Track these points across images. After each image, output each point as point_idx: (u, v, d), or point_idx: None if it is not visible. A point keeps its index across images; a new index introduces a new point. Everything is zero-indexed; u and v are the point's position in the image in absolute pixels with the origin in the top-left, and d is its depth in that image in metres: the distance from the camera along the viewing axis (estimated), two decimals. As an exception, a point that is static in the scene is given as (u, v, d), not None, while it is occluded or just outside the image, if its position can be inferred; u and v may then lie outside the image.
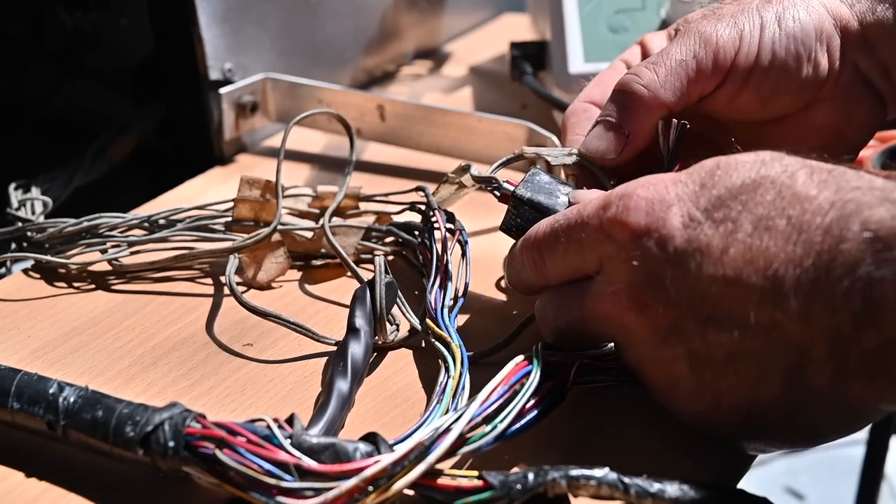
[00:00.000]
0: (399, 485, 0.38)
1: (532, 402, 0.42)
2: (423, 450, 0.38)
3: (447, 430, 0.39)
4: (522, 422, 0.42)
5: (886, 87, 0.52)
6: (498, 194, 0.52)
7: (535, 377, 0.42)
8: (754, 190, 0.39)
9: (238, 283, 0.56)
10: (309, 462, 0.38)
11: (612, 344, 0.46)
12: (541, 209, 0.50)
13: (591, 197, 0.46)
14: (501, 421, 0.41)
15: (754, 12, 0.52)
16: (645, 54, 0.57)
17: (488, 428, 0.40)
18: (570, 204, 0.50)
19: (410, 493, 0.39)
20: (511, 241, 0.51)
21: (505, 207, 0.52)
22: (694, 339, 0.39)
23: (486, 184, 0.53)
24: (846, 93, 0.52)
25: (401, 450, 0.38)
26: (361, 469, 0.37)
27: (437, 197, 0.57)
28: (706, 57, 0.51)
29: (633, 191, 0.41)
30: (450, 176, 0.56)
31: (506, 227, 0.52)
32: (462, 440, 0.39)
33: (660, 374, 0.42)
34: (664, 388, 0.42)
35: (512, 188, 0.51)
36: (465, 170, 0.55)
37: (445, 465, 0.40)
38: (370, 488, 0.37)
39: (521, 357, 0.43)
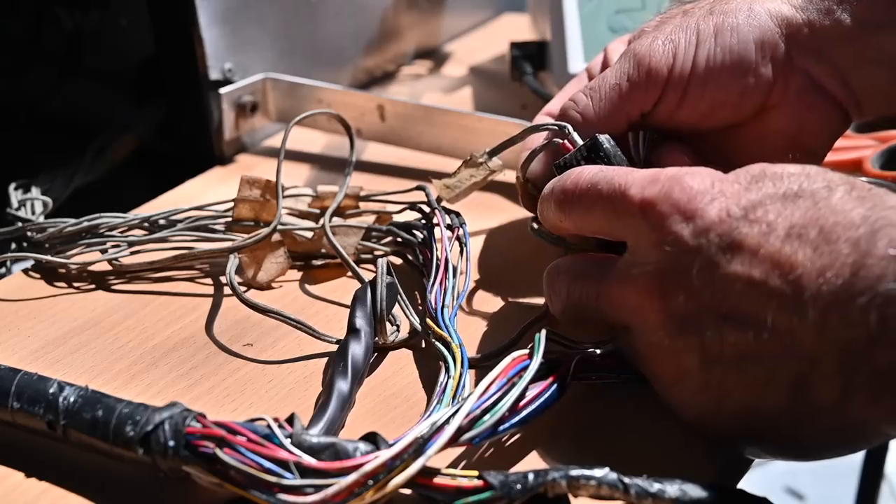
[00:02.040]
0: (398, 480, 0.38)
1: (530, 395, 0.42)
2: (421, 444, 0.38)
3: (445, 423, 0.39)
4: (521, 415, 0.42)
5: (843, 92, 0.51)
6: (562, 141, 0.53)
7: (533, 368, 0.42)
8: (794, 200, 0.39)
9: (238, 283, 0.56)
10: (309, 460, 0.38)
11: (612, 341, 0.46)
12: (610, 162, 0.50)
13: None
14: (498, 410, 0.40)
15: (692, 26, 0.52)
16: (605, 63, 0.59)
17: (486, 417, 0.40)
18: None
19: (408, 492, 0.39)
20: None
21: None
22: (709, 333, 0.40)
23: (558, 128, 0.53)
24: (797, 100, 0.52)
25: (399, 445, 0.38)
26: (360, 465, 0.37)
27: (454, 180, 0.56)
28: (639, 77, 0.51)
29: (682, 176, 0.42)
30: (474, 155, 0.56)
31: (561, 164, 0.52)
32: (460, 433, 0.39)
33: (669, 364, 0.42)
34: (670, 380, 0.42)
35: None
36: (489, 155, 0.55)
37: (445, 464, 0.40)
38: (370, 482, 0.37)
39: (520, 352, 0.43)
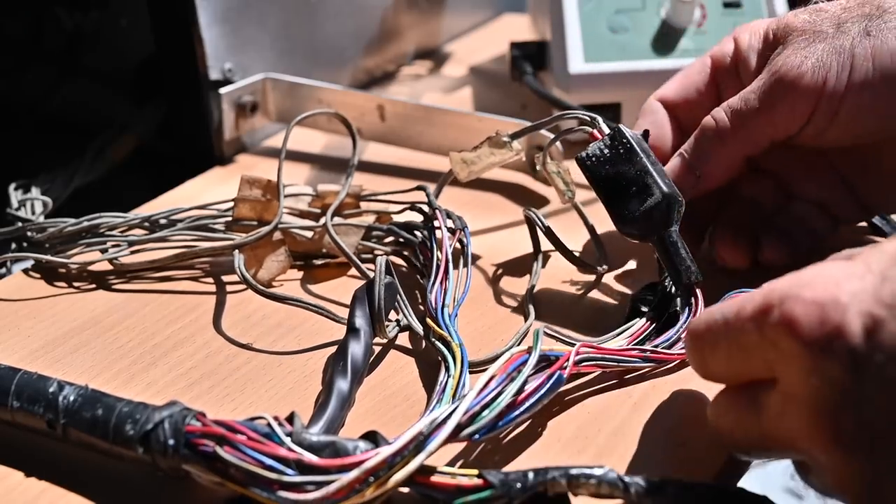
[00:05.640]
0: (398, 476, 0.37)
1: (530, 388, 0.42)
2: (421, 440, 0.38)
3: (445, 420, 0.39)
4: (521, 409, 0.41)
5: None
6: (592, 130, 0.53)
7: (531, 363, 0.42)
8: None
9: (238, 282, 0.56)
10: (310, 457, 0.38)
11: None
12: (633, 153, 0.51)
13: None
14: (497, 405, 0.40)
15: (847, 50, 0.50)
16: (738, 53, 0.56)
17: (485, 413, 0.40)
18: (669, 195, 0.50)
19: (405, 490, 0.39)
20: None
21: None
22: None
23: (589, 118, 0.53)
24: None
25: (399, 441, 0.38)
26: (361, 462, 0.37)
27: (473, 155, 0.57)
28: (784, 104, 0.50)
29: (797, 293, 0.35)
30: (499, 133, 0.56)
31: (582, 157, 0.52)
32: (460, 429, 0.39)
33: (867, 496, 0.35)
34: None
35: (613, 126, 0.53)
36: (511, 138, 0.56)
37: (445, 463, 0.40)
38: (371, 479, 0.37)
39: (518, 348, 0.43)
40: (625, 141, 0.51)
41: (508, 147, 0.57)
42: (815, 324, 0.34)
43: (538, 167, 0.57)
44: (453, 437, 0.39)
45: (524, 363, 0.42)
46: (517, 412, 0.41)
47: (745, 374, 0.39)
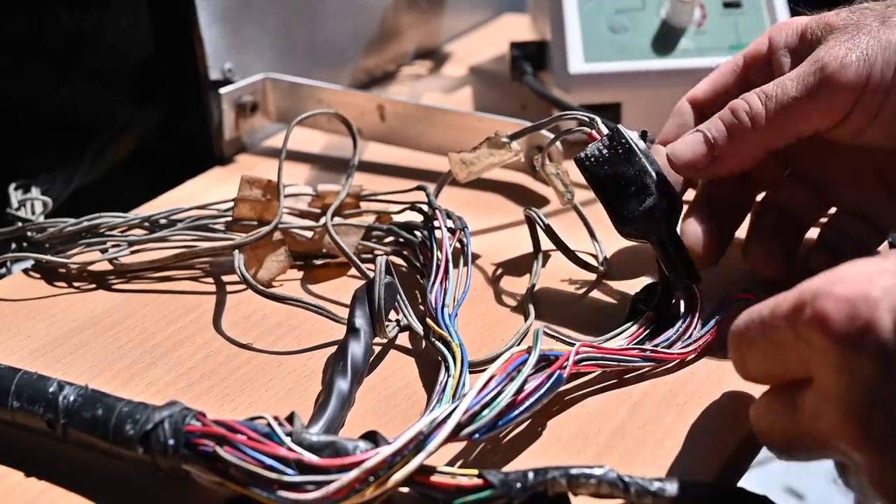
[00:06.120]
0: (399, 475, 0.38)
1: (530, 387, 0.42)
2: (421, 440, 0.38)
3: (445, 419, 0.39)
4: (521, 408, 0.41)
5: None
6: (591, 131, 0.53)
7: (532, 362, 0.42)
8: None
9: (238, 282, 0.56)
10: (310, 457, 0.38)
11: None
12: (631, 153, 0.51)
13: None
14: (497, 405, 0.40)
15: (894, 42, 0.48)
16: (771, 50, 0.54)
17: (485, 412, 0.40)
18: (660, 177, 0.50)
19: (405, 490, 0.39)
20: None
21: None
22: None
23: (587, 119, 0.53)
24: None
25: (399, 441, 0.38)
26: (361, 461, 0.37)
27: (472, 155, 0.57)
28: (825, 95, 0.48)
29: (828, 289, 0.35)
30: (498, 133, 0.56)
31: (581, 158, 0.52)
32: (460, 429, 0.39)
33: (894, 494, 0.35)
34: None
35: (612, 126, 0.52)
36: (510, 139, 0.56)
37: (444, 463, 0.40)
38: (371, 479, 0.37)
39: (518, 348, 0.43)
40: (623, 141, 0.51)
41: (507, 148, 0.56)
42: (845, 319, 0.34)
43: (537, 168, 0.56)
44: (453, 436, 0.39)
45: (524, 363, 0.42)
46: (517, 412, 0.41)
47: (782, 373, 0.39)
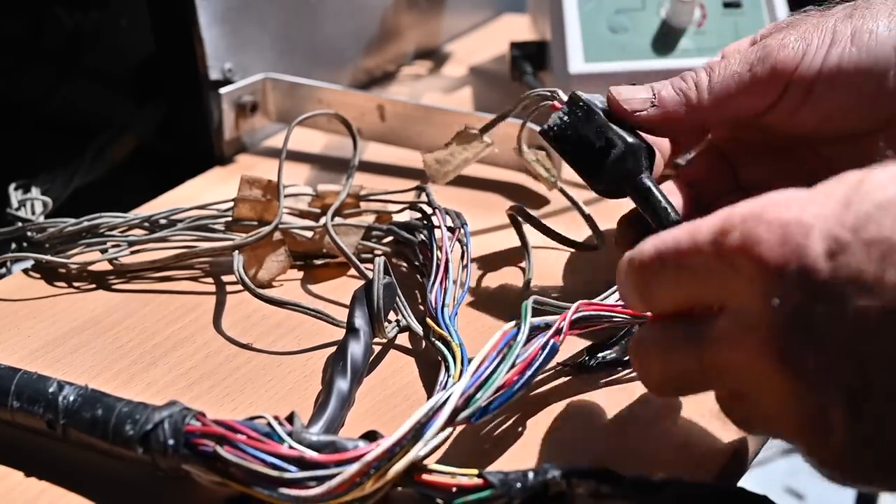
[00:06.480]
0: (399, 466, 0.37)
1: (524, 359, 0.42)
2: (419, 428, 0.38)
3: (441, 405, 0.39)
4: (518, 384, 0.41)
5: None
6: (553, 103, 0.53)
7: (522, 335, 0.42)
8: None
9: (238, 282, 0.56)
10: (311, 454, 0.38)
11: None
12: (591, 113, 0.51)
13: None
14: (492, 385, 0.40)
15: (829, 27, 0.50)
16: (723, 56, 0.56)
17: (479, 394, 0.40)
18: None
19: (405, 490, 0.39)
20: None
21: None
22: (850, 380, 0.33)
23: (549, 93, 0.53)
24: None
25: (399, 431, 0.38)
26: (362, 455, 0.37)
27: (445, 153, 0.57)
28: (763, 70, 0.50)
29: (760, 212, 0.35)
30: (468, 127, 0.56)
31: (545, 129, 0.53)
32: (457, 413, 0.39)
33: (808, 425, 0.35)
34: (813, 440, 0.35)
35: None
36: (481, 132, 0.56)
37: (446, 460, 0.40)
38: (371, 471, 0.37)
39: (507, 325, 0.43)
40: (581, 104, 0.52)
41: (479, 140, 0.57)
42: (776, 244, 0.34)
43: (518, 156, 0.57)
44: (451, 421, 0.39)
45: (514, 337, 0.42)
46: (514, 389, 0.41)
47: (690, 302, 0.38)
